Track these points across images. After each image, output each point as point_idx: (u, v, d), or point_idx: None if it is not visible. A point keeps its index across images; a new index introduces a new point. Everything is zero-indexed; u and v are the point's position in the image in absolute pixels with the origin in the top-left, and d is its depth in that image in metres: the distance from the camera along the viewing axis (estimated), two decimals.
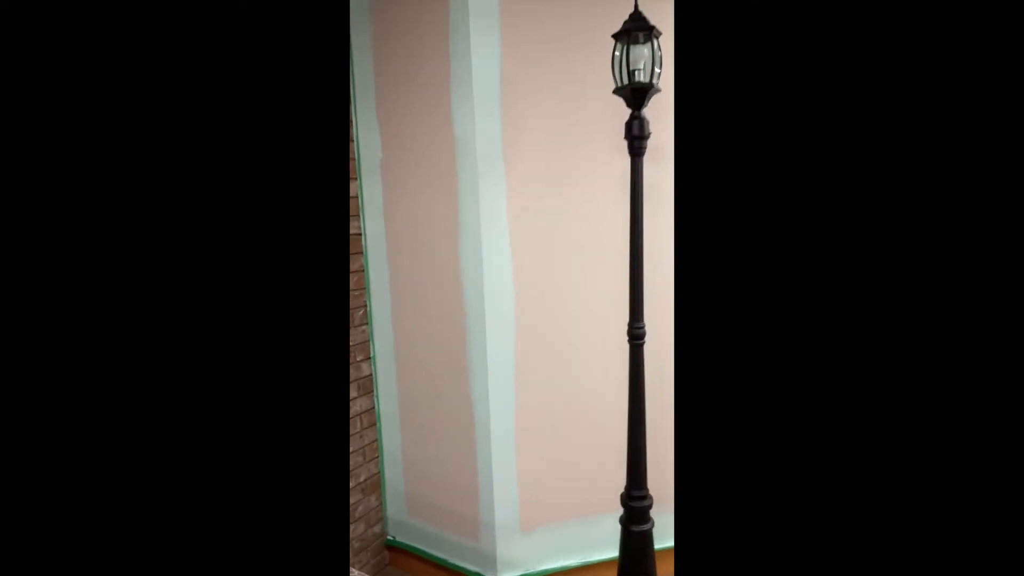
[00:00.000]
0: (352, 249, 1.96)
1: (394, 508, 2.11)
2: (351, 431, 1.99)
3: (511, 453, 1.82)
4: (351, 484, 1.99)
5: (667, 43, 1.64)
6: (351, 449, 2.00)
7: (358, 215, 1.98)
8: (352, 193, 1.95)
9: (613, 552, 1.91)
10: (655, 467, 1.88)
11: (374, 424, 2.09)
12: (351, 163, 1.94)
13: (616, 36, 1.47)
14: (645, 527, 1.64)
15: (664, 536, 1.93)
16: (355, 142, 1.94)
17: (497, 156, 1.67)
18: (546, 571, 1.89)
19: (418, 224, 1.84)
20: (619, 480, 1.77)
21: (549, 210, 1.75)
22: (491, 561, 1.85)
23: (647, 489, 1.64)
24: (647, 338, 1.56)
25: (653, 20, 1.44)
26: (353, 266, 1.97)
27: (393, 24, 1.77)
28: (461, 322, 1.79)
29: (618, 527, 1.84)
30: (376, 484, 2.10)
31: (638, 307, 1.54)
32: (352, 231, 1.96)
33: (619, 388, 1.81)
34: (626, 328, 1.56)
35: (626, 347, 1.60)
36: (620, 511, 1.70)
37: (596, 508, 1.91)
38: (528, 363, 1.79)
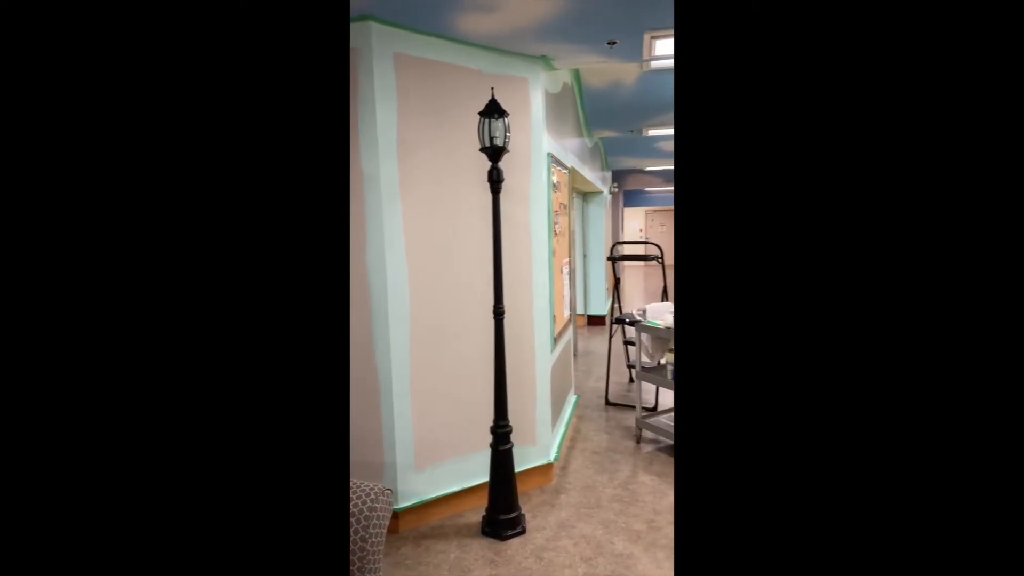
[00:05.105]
0: None
1: None
2: None
3: (408, 410, 2.42)
4: None
5: (514, 120, 2.43)
6: None
7: None
8: None
9: (483, 479, 2.60)
10: (511, 409, 2.62)
11: None
12: None
13: (480, 113, 2.21)
14: (507, 446, 2.37)
15: (520, 461, 2.68)
16: None
17: (395, 190, 2.30)
18: (436, 497, 2.51)
19: None
20: (486, 426, 2.47)
21: (435, 229, 2.41)
22: (394, 494, 2.42)
23: (508, 420, 2.37)
24: (505, 315, 2.30)
25: (504, 105, 2.21)
26: None
27: None
28: (368, 314, 2.35)
29: (486, 462, 2.54)
30: None
31: (499, 293, 2.29)
32: None
33: (487, 353, 2.53)
34: (491, 308, 2.29)
35: (491, 323, 2.32)
36: (487, 450, 2.41)
37: (470, 448, 2.59)
38: (420, 340, 2.42)
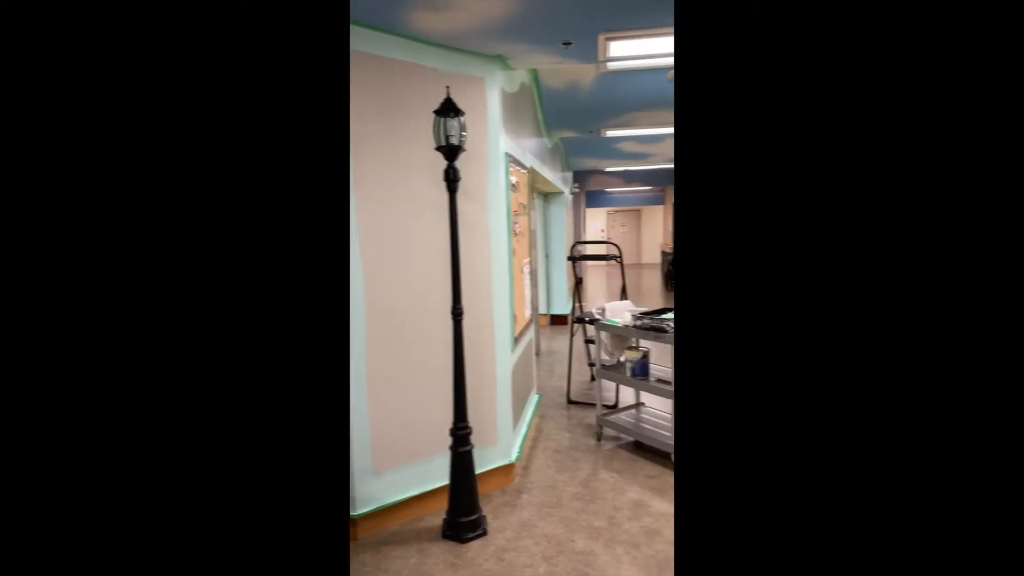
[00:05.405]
0: None
1: None
2: None
3: (365, 413, 2.37)
4: None
5: (470, 119, 2.42)
6: None
7: None
8: None
9: (444, 481, 2.57)
10: (471, 410, 2.61)
11: None
12: None
13: (436, 112, 2.18)
14: (467, 448, 2.35)
15: (481, 462, 2.66)
16: None
17: (349, 188, 2.25)
18: (395, 501, 2.47)
19: None
20: (445, 428, 2.45)
21: (390, 228, 2.37)
22: (351, 500, 2.37)
23: (468, 421, 2.35)
24: (465, 315, 2.29)
25: (460, 104, 2.19)
26: None
27: None
28: None
29: (446, 464, 2.51)
30: None
31: (457, 294, 2.27)
32: None
33: (446, 355, 2.50)
34: (450, 308, 2.26)
35: (450, 323, 2.30)
36: (447, 453, 2.38)
37: (430, 451, 2.56)
38: (376, 341, 2.37)
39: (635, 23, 2.28)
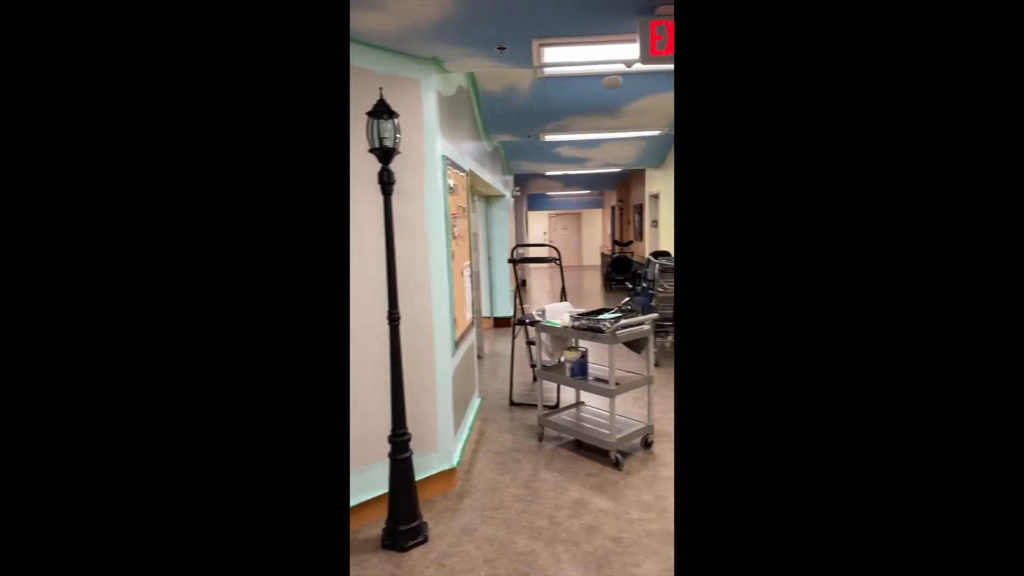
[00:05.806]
0: None
1: None
2: None
3: None
4: None
5: (405, 122, 2.39)
6: None
7: None
8: None
9: (383, 490, 2.52)
10: (411, 416, 2.57)
11: None
12: None
13: (369, 114, 2.15)
14: (406, 455, 2.31)
15: (422, 468, 2.63)
16: None
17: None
18: None
19: None
20: (384, 435, 2.40)
21: None
22: None
23: (406, 428, 2.32)
24: (403, 320, 2.25)
25: (395, 107, 2.16)
26: None
27: None
28: None
29: (385, 472, 2.46)
30: None
31: (394, 298, 2.23)
32: None
33: (383, 360, 2.45)
34: (386, 313, 2.22)
35: (387, 327, 2.26)
36: (386, 460, 2.33)
37: (368, 459, 2.51)
38: None
39: (568, 31, 2.33)
